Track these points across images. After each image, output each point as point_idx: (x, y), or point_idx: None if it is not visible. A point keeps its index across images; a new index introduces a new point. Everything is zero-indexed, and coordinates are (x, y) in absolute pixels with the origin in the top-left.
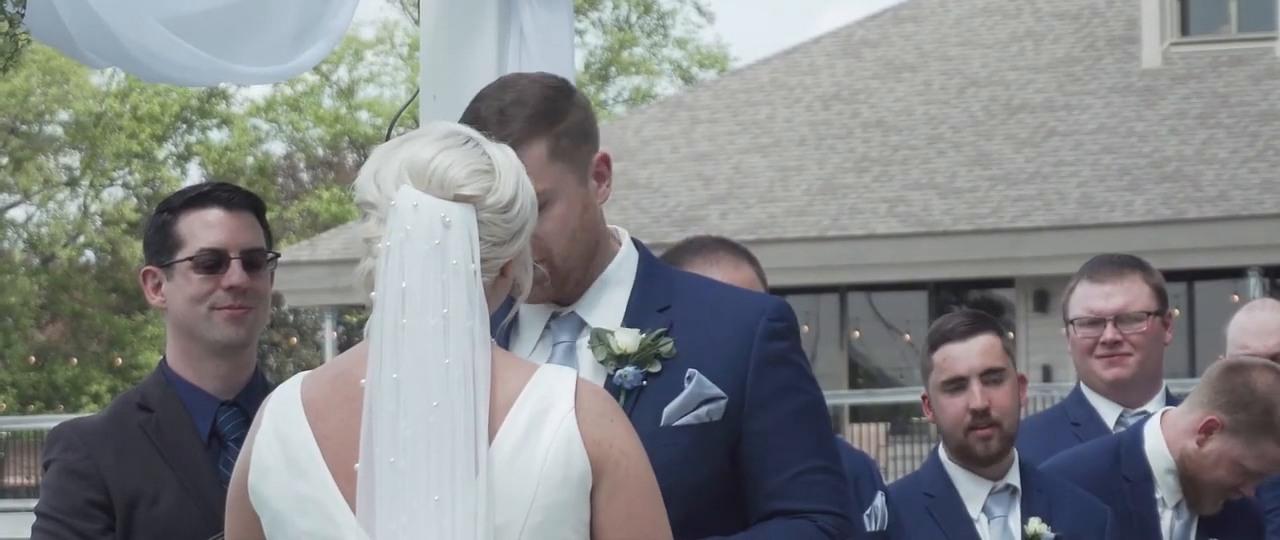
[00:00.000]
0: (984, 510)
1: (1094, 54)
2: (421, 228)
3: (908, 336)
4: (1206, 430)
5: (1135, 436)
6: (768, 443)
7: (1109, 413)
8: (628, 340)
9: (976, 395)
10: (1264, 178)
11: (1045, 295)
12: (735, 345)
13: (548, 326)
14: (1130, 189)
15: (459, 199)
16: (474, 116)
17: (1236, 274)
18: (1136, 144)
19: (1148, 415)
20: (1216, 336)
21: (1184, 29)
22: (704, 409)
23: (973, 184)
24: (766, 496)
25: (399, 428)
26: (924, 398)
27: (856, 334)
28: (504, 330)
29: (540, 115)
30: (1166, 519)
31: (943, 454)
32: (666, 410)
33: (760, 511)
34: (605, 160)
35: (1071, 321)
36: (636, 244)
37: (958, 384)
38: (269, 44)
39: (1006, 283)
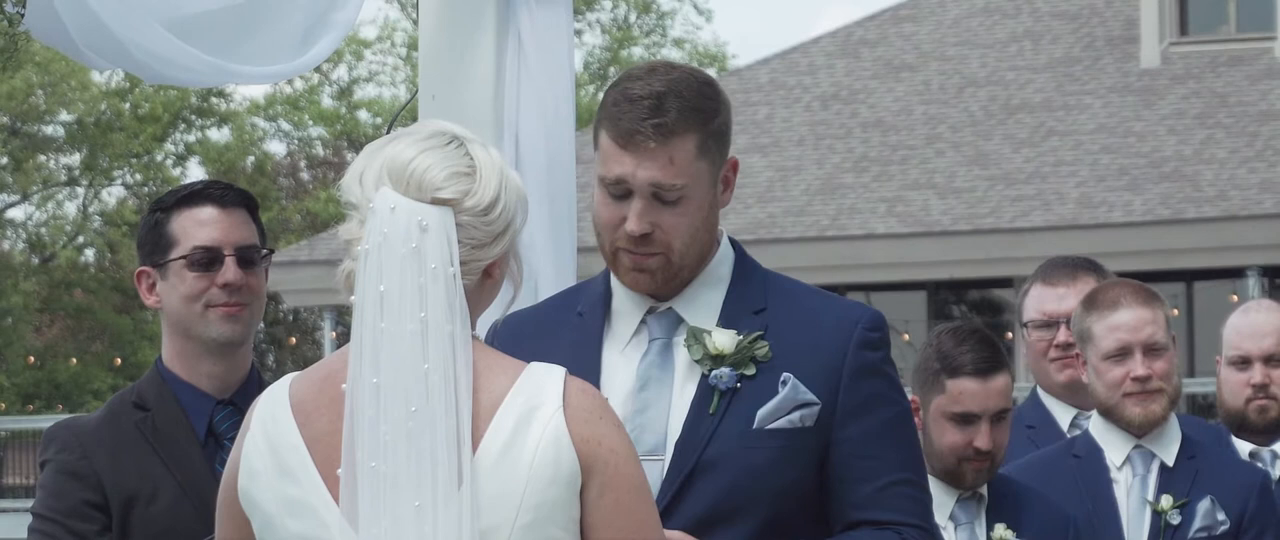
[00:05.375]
0: (950, 517)
1: (1093, 54)
2: (398, 231)
3: (907, 336)
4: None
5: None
6: (857, 452)
7: (1063, 415)
8: (724, 341)
9: (984, 438)
10: (1263, 178)
11: None
12: (830, 352)
13: (644, 321)
14: (1129, 189)
15: (437, 202)
16: (624, 96)
17: (1235, 274)
18: (1135, 144)
19: None
20: (1215, 337)
21: (1183, 29)
22: (798, 414)
23: (971, 184)
24: (853, 506)
25: (380, 432)
26: (914, 404)
27: None
28: (598, 321)
29: (696, 110)
30: (1122, 481)
31: None
32: (760, 413)
33: (845, 519)
34: (734, 166)
35: (1025, 324)
36: (734, 244)
37: (966, 419)
38: (275, 41)
39: (1005, 283)
